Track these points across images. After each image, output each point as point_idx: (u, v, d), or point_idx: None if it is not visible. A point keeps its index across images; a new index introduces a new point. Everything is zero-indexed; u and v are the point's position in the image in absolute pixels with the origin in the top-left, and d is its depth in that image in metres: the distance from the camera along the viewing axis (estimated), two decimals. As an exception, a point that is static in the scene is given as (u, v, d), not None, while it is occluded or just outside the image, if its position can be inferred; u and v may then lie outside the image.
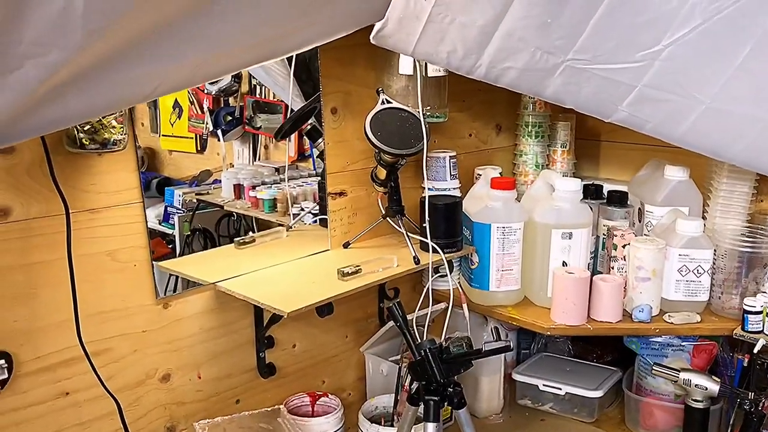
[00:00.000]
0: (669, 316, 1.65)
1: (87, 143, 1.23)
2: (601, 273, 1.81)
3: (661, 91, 1.40)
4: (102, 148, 1.25)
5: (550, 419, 1.85)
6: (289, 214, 2.05)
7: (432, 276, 1.61)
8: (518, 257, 1.71)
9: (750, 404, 1.52)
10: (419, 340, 1.23)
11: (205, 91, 3.19)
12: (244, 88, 3.10)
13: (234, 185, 2.86)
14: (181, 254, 3.07)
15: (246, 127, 2.36)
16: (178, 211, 3.08)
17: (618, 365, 1.93)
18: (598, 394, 1.80)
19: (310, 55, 1.60)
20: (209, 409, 1.49)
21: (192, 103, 3.43)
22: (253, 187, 2.84)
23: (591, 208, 1.81)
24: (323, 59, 1.56)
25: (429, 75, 1.66)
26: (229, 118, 2.74)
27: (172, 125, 3.65)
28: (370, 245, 1.70)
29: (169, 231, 3.12)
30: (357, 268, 1.47)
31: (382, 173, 1.62)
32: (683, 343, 1.72)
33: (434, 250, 1.60)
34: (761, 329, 1.55)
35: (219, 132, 2.79)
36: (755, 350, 1.52)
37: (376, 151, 1.53)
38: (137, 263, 1.35)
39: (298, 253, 1.64)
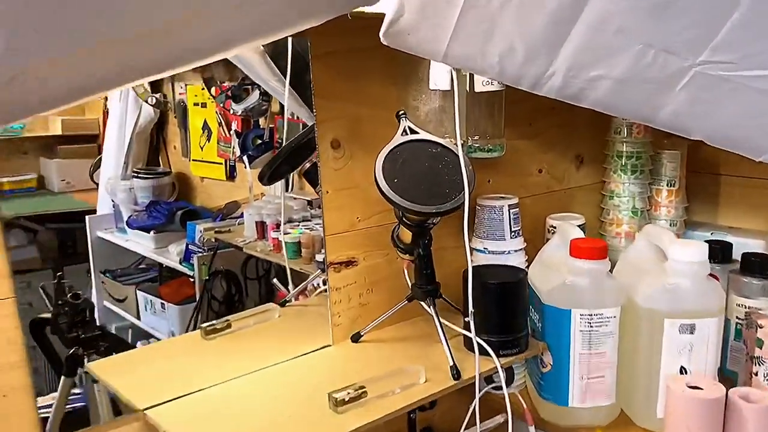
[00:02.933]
0: None
1: None
2: (736, 378, 1.23)
3: None
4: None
5: None
6: (315, 262, 1.58)
7: (481, 388, 1.07)
8: (612, 359, 1.15)
9: None
10: None
11: (231, 111, 2.76)
12: (275, 107, 2.65)
13: (257, 222, 2.42)
14: (200, 301, 2.62)
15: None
16: (199, 250, 2.64)
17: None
18: None
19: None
20: None
21: (220, 124, 3.01)
22: (277, 226, 2.38)
23: (716, 278, 1.24)
24: (316, 70, 1.06)
25: (476, 90, 1.13)
26: (258, 141, 2.30)
27: (202, 149, 3.24)
28: (391, 337, 1.18)
29: (190, 273, 2.68)
30: (359, 391, 0.95)
31: (407, 236, 1.11)
32: None
33: (483, 352, 1.07)
34: None
35: (245, 158, 2.35)
36: None
37: (396, 205, 1.01)
38: (8, 392, 0.87)
39: (285, 351, 1.13)
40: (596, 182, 1.52)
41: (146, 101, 3.34)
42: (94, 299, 3.44)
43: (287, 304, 1.33)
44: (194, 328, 2.61)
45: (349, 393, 0.94)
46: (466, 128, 1.15)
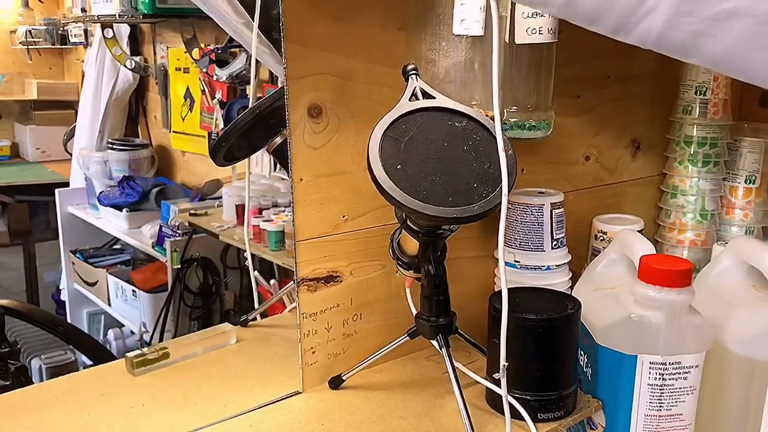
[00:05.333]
0: None
1: None
2: None
3: None
4: None
5: None
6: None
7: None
8: (689, 422, 0.83)
9: None
10: None
11: (215, 77, 2.44)
12: (264, 74, 2.34)
13: (237, 206, 2.11)
14: (171, 292, 2.31)
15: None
16: (172, 233, 2.34)
17: None
18: None
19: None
20: None
21: (204, 92, 2.69)
22: (260, 211, 2.07)
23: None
24: (287, 5, 0.72)
25: (517, 41, 0.80)
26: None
27: (184, 119, 2.91)
28: (383, 382, 0.85)
29: (163, 258, 2.39)
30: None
31: (412, 246, 0.78)
32: None
33: (515, 414, 0.74)
34: None
35: (228, 132, 1.97)
36: None
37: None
38: None
39: (237, 399, 0.80)
40: (654, 175, 1.19)
41: (124, 65, 3.00)
42: (63, 281, 3.13)
43: (249, 323, 1.01)
44: (164, 323, 2.30)
45: (316, 487, 0.62)
46: (503, 94, 0.81)
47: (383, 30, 0.79)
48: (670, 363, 0.80)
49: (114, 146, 2.94)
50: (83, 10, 2.87)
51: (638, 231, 1.00)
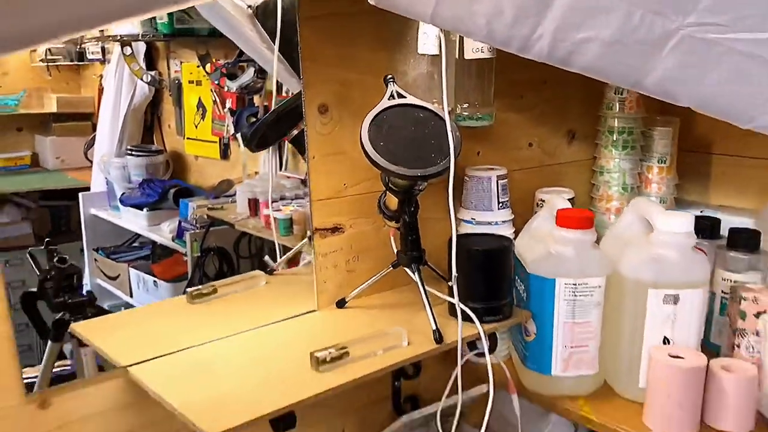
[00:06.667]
0: (834, 430, 1.06)
1: None
2: (719, 351, 1.24)
3: None
4: None
5: None
6: (307, 239, 1.58)
7: (463, 353, 1.07)
8: (596, 328, 1.15)
9: None
10: None
11: (226, 88, 2.75)
12: (270, 85, 2.64)
13: (249, 200, 2.42)
14: (192, 278, 2.62)
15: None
16: (191, 227, 2.64)
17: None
18: None
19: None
20: None
21: (215, 102, 3.00)
22: (270, 203, 2.38)
23: (704, 252, 1.25)
24: (304, 33, 1.05)
25: (467, 56, 1.13)
26: (253, 119, 2.29)
27: (197, 127, 3.23)
28: (376, 304, 1.18)
29: (182, 250, 2.68)
30: (341, 351, 0.95)
31: (393, 202, 1.10)
32: None
33: (467, 318, 1.07)
34: None
35: (239, 136, 2.34)
36: None
37: (383, 170, 1.01)
38: (-7, 356, 0.87)
39: (270, 315, 1.13)
40: (588, 158, 1.52)
41: (141, 79, 3.32)
42: (86, 277, 3.44)
43: (274, 272, 1.33)
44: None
45: (330, 353, 0.94)
46: (456, 96, 1.14)
47: (371, 51, 1.12)
48: (579, 284, 1.13)
49: (132, 152, 3.25)
50: (101, 30, 3.20)
51: (569, 199, 1.33)
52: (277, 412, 0.85)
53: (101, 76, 3.76)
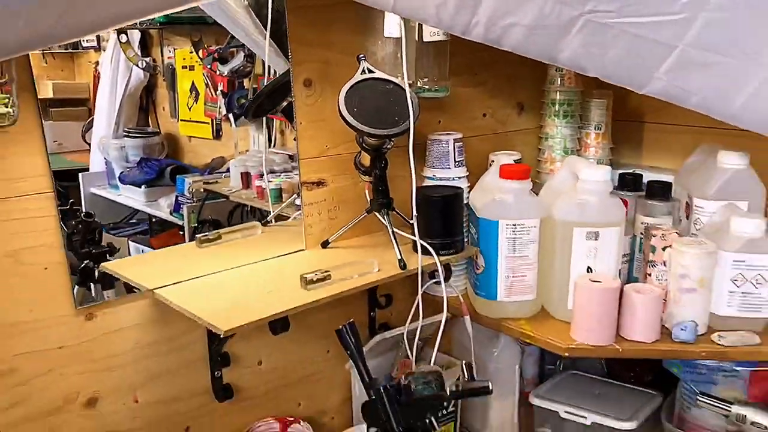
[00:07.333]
0: (719, 336, 1.33)
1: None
2: (638, 281, 1.50)
3: (710, 53, 1.09)
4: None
5: (574, 454, 1.55)
6: (295, 206, 1.81)
7: (424, 282, 1.33)
8: (533, 261, 1.41)
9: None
10: (372, 377, 0.96)
11: (218, 72, 2.97)
12: (258, 69, 2.86)
13: (242, 174, 2.64)
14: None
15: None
16: (188, 201, 2.87)
17: (660, 388, 1.61)
18: (631, 425, 1.48)
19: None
20: (150, 439, 1.25)
21: (207, 86, 3.22)
22: (261, 176, 2.60)
23: (627, 202, 1.50)
24: (291, 20, 1.29)
25: (425, 39, 1.37)
26: (243, 101, 2.53)
27: (190, 109, 3.45)
28: (354, 244, 1.43)
29: (179, 222, 2.92)
30: (325, 274, 1.20)
31: (367, 159, 1.35)
32: (737, 369, 1.39)
33: (426, 252, 1.32)
34: (839, 358, 1.22)
35: (231, 116, 2.58)
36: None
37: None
38: (49, 266, 1.12)
39: (267, 253, 1.38)
40: (535, 127, 1.78)
41: (136, 65, 3.54)
42: (87, 252, 3.65)
43: (269, 224, 1.58)
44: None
45: (316, 275, 1.19)
46: (416, 72, 1.39)
47: (346, 35, 1.36)
48: (518, 224, 1.38)
49: (129, 134, 3.48)
50: (97, 19, 3.40)
51: (514, 159, 1.58)
52: (274, 316, 1.10)
53: (97, 63, 3.98)
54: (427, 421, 0.92)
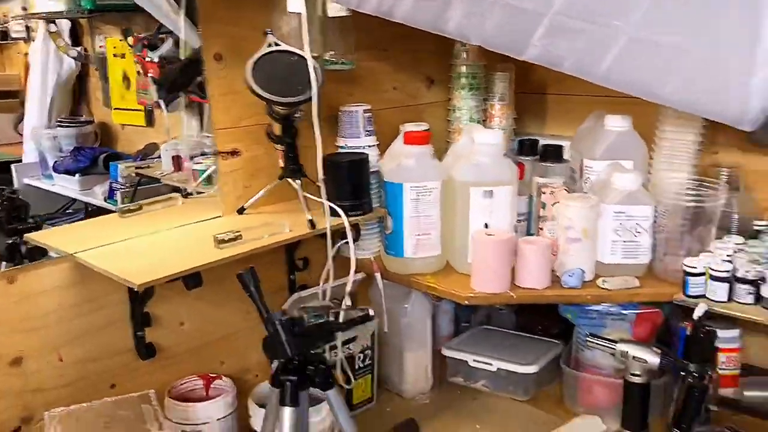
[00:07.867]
0: (603, 281, 1.47)
1: None
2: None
3: (576, 20, 1.21)
4: None
5: (483, 398, 1.68)
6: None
7: (333, 243, 1.43)
8: (436, 220, 1.53)
9: (692, 377, 1.34)
10: (270, 313, 1.06)
11: (148, 59, 3.01)
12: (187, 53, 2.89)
13: (173, 157, 2.68)
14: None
15: (191, 96, 2.17)
16: (121, 186, 2.90)
17: (565, 339, 1.75)
18: (532, 369, 1.62)
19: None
20: (76, 395, 1.32)
21: (139, 73, 3.24)
22: (192, 158, 2.66)
23: (524, 166, 1.63)
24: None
25: (330, 15, 1.47)
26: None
27: (123, 98, 3.47)
28: (269, 210, 1.52)
29: (114, 208, 2.95)
30: (236, 234, 1.29)
31: (277, 128, 1.44)
32: (624, 312, 1.54)
33: (335, 214, 1.42)
34: (703, 293, 1.37)
35: (162, 102, 2.62)
36: (695, 316, 1.34)
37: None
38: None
39: (184, 221, 1.46)
40: (444, 100, 1.89)
41: (67, 54, 3.54)
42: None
43: (190, 196, 1.65)
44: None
45: (228, 235, 1.28)
46: (324, 46, 1.48)
47: (254, 12, 1.44)
48: (420, 186, 1.50)
49: (62, 124, 3.48)
50: (24, 9, 3.40)
51: (423, 130, 1.69)
52: (187, 271, 1.19)
53: (27, 54, 3.95)
54: (321, 350, 1.02)
